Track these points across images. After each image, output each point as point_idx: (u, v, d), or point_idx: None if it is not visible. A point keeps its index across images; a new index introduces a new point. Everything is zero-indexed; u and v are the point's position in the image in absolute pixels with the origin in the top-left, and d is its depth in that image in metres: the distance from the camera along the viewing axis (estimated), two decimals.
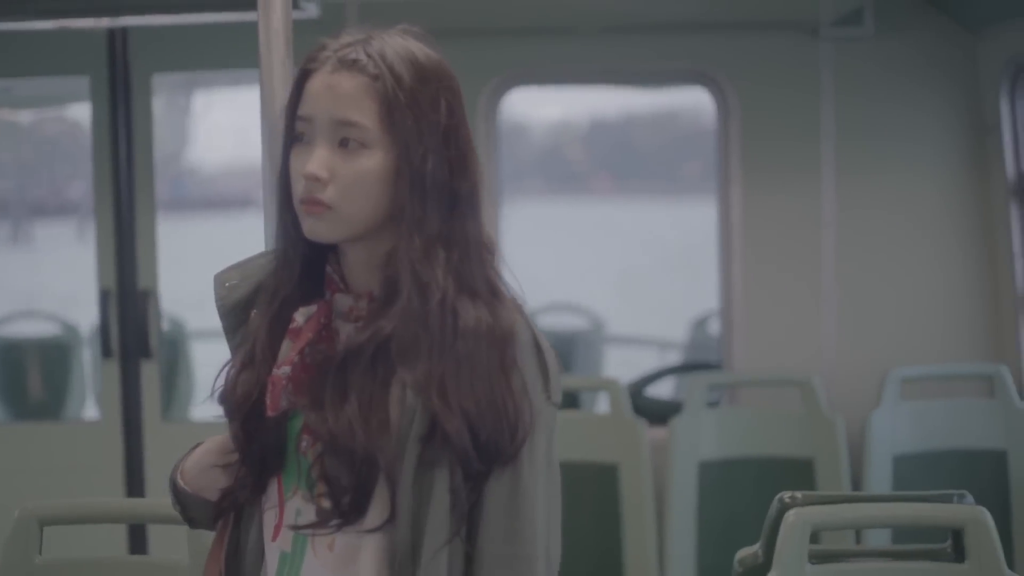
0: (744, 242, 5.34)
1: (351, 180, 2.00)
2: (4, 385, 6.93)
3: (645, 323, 10.53)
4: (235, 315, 2.16)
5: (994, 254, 5.24)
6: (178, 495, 2.21)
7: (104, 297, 5.32)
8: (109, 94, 5.30)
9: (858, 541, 4.55)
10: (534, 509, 2.01)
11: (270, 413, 2.04)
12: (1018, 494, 4.88)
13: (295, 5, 3.49)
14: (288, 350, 2.05)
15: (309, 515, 2.04)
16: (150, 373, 5.36)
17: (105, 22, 5.15)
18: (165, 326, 5.76)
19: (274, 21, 2.93)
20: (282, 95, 2.90)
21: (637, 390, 6.03)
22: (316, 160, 2.00)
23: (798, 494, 3.08)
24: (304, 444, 2.05)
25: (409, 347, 1.98)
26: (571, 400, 5.95)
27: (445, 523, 1.97)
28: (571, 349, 7.67)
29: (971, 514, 2.97)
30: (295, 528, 2.05)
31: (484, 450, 1.97)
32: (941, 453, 4.95)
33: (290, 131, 2.06)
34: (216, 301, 2.19)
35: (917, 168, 5.30)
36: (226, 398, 2.10)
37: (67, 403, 7.00)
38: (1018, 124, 5.06)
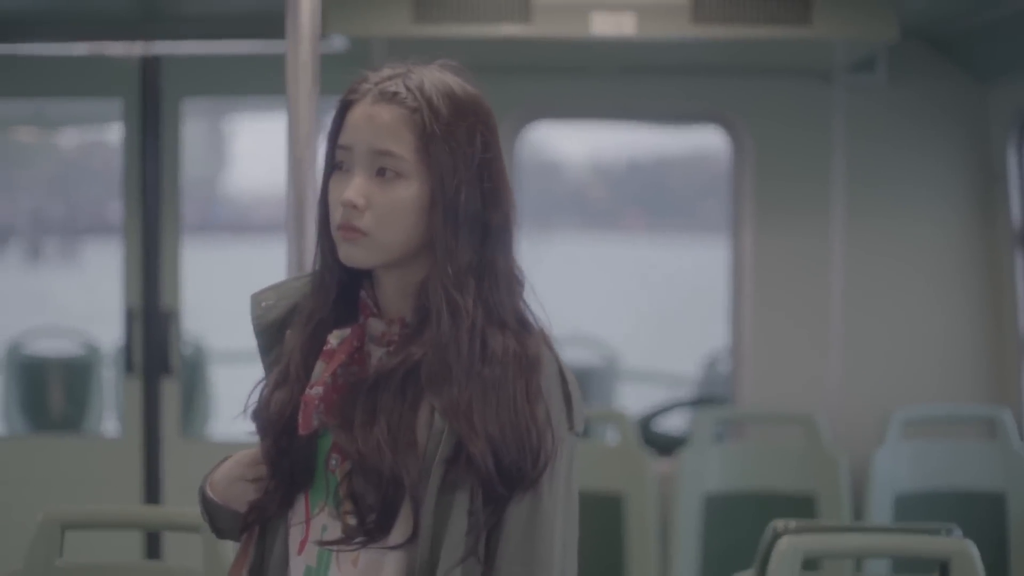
0: (754, 281, 5.43)
1: (387, 208, 2.05)
2: (29, 399, 7.06)
3: (660, 358, 10.61)
4: (270, 334, 2.22)
5: (998, 299, 5.31)
6: (206, 505, 2.26)
7: (129, 315, 5.45)
8: (140, 118, 5.43)
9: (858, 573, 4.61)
10: (552, 534, 2.05)
11: (302, 432, 2.09)
12: (1016, 535, 4.93)
13: (323, 37, 3.59)
14: (321, 371, 2.10)
15: (335, 531, 2.09)
16: (170, 390, 5.47)
17: (138, 47, 5.31)
18: (187, 348, 5.88)
19: (302, 54, 3.05)
20: (308, 125, 3.04)
21: (646, 423, 6.12)
22: (354, 188, 2.05)
23: (792, 522, 3.16)
24: (333, 463, 2.10)
25: (438, 372, 2.04)
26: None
27: (461, 543, 2.02)
28: (585, 382, 7.76)
29: (957, 547, 3.03)
30: (321, 544, 2.10)
31: (506, 474, 2.01)
32: (942, 493, 4.99)
33: (331, 159, 2.12)
34: (252, 320, 2.24)
35: (925, 214, 5.39)
36: (259, 415, 2.16)
37: (87, 418, 7.14)
38: None
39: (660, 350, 11.45)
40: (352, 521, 2.06)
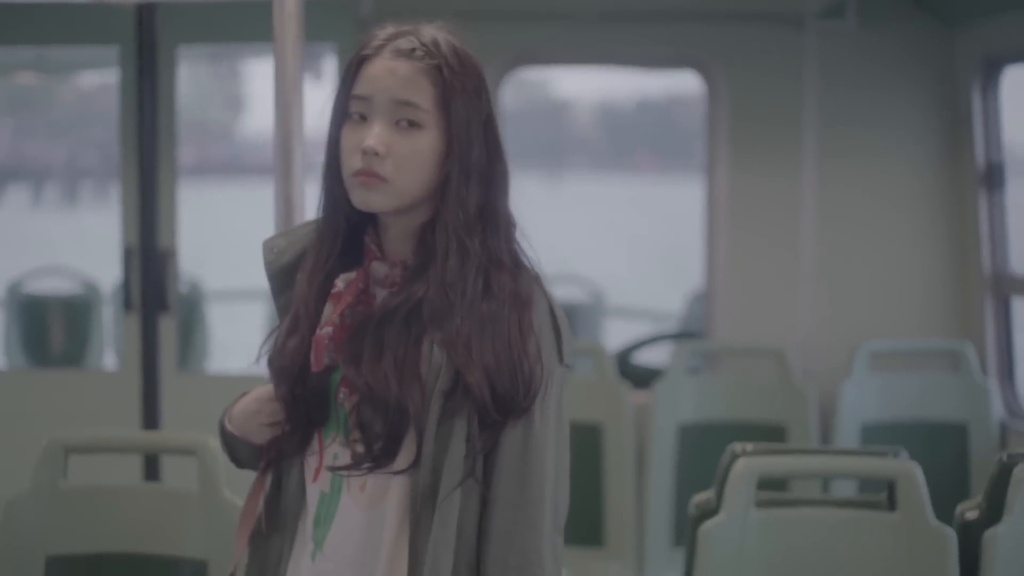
0: (729, 220, 5.58)
1: (406, 156, 2.19)
2: (29, 336, 7.25)
3: (650, 295, 10.79)
4: (281, 278, 2.36)
5: (963, 238, 5.45)
6: (225, 437, 2.41)
7: (127, 254, 5.59)
8: (136, 64, 5.56)
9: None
10: (544, 458, 2.21)
11: (314, 369, 2.25)
12: (977, 463, 5.09)
13: None
14: (330, 312, 2.26)
15: (345, 459, 2.23)
16: (168, 327, 5.62)
17: None
18: (184, 286, 6.04)
19: (288, 2, 3.22)
20: (294, 71, 3.20)
21: (625, 356, 6.29)
22: (375, 136, 2.18)
23: (748, 445, 3.37)
24: (342, 396, 2.25)
25: (440, 308, 2.19)
26: None
27: (459, 467, 2.18)
28: (573, 318, 7.92)
29: (902, 468, 3.25)
30: (332, 469, 2.26)
31: (500, 402, 2.16)
32: (906, 424, 5.17)
33: (342, 110, 2.24)
34: (265, 265, 2.39)
35: (893, 154, 5.53)
36: (274, 363, 2.31)
37: (87, 354, 7.32)
38: (989, 116, 5.28)
39: (651, 287, 11.63)
40: (360, 448, 2.22)
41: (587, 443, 5.07)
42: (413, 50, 2.22)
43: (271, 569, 2.35)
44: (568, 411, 2.30)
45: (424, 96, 2.20)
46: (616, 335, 8.02)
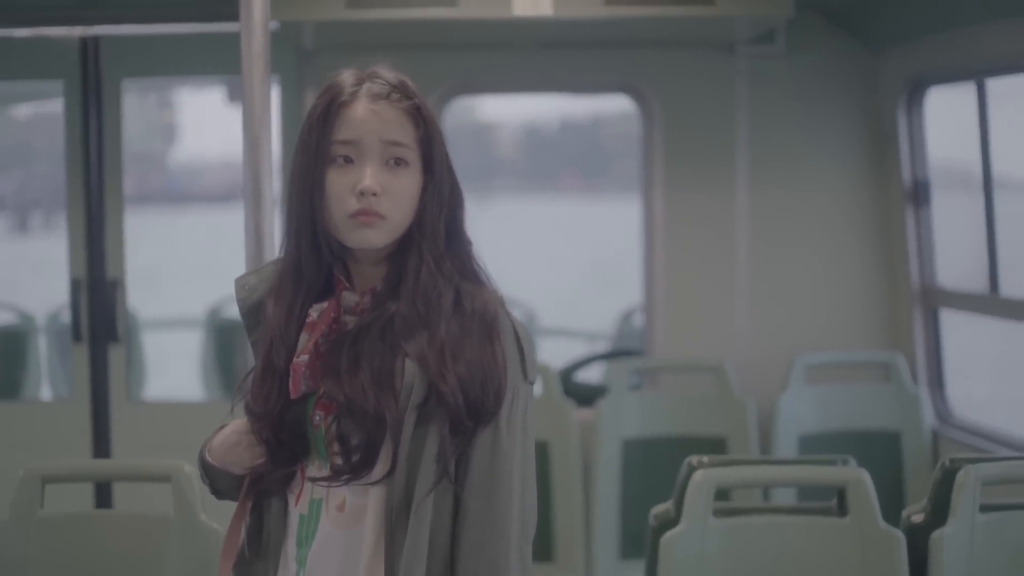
0: (665, 239, 5.67)
1: (399, 192, 2.32)
2: None
3: (581, 315, 10.89)
4: (254, 315, 2.46)
5: (892, 252, 5.60)
6: (206, 468, 2.50)
7: (75, 285, 5.63)
8: (81, 97, 5.61)
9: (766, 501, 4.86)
10: (511, 470, 2.31)
11: (293, 396, 2.35)
12: (910, 469, 5.28)
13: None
14: (305, 341, 2.37)
15: (324, 474, 2.35)
16: (117, 356, 5.68)
17: (78, 31, 5.50)
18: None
19: (255, 43, 3.28)
20: (262, 107, 3.27)
21: (567, 375, 6.39)
22: (371, 176, 2.29)
23: (705, 458, 3.51)
24: (317, 419, 2.36)
25: (413, 322, 2.31)
26: None
27: (430, 475, 2.28)
28: None
29: (853, 475, 3.40)
30: (313, 480, 2.36)
31: (472, 409, 2.26)
32: (842, 433, 5.32)
33: (321, 156, 2.32)
34: (237, 302, 2.49)
35: (823, 173, 5.67)
36: (254, 408, 2.40)
37: (24, 385, 7.31)
38: (914, 136, 5.44)
39: (582, 307, 11.72)
40: (339, 461, 2.31)
41: (536, 460, 5.12)
42: (389, 93, 2.34)
43: None
44: (533, 427, 2.40)
45: (408, 135, 2.33)
46: (550, 355, 8.13)
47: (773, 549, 3.39)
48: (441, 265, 2.34)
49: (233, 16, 3.31)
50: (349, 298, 2.38)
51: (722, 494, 3.49)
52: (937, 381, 5.52)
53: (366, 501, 2.34)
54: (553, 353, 7.66)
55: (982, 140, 5.01)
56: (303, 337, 2.37)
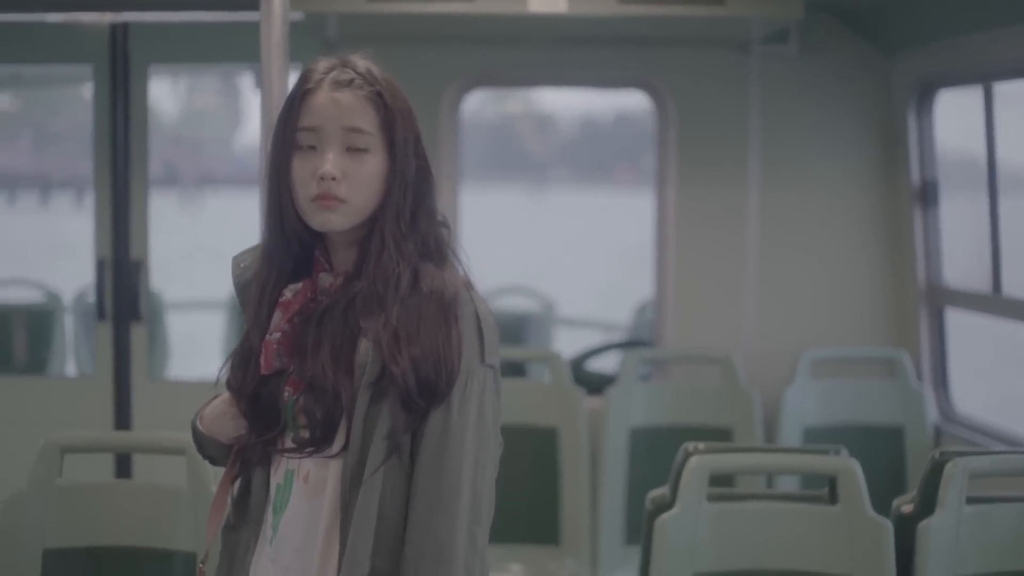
0: (677, 234, 5.76)
1: (359, 178, 2.40)
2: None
3: (600, 307, 10.97)
4: (246, 292, 2.57)
5: (899, 251, 5.67)
6: (197, 436, 2.63)
7: (100, 265, 5.78)
8: (110, 82, 5.73)
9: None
10: (461, 450, 2.36)
11: (264, 371, 2.46)
12: (912, 464, 5.32)
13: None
14: (279, 319, 2.47)
15: (291, 446, 2.48)
16: (139, 335, 5.82)
17: (108, 17, 5.62)
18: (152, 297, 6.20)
19: (275, 32, 3.40)
20: (280, 94, 3.38)
21: (579, 363, 6.47)
22: (331, 162, 2.37)
23: (700, 444, 3.60)
24: (287, 394, 2.47)
25: (371, 301, 2.40)
26: (519, 370, 6.39)
27: (382, 450, 2.37)
28: (529, 327, 8.15)
29: (842, 464, 3.49)
30: (279, 452, 2.49)
31: (423, 388, 2.33)
32: (846, 427, 5.38)
33: (288, 142, 2.41)
34: (233, 279, 2.60)
35: (833, 173, 5.74)
36: (231, 383, 2.53)
37: (51, 362, 7.45)
38: (923, 137, 5.51)
39: (621, 296, 11.82)
40: (305, 435, 2.43)
41: (543, 446, 5.24)
42: (352, 80, 2.42)
43: (239, 560, 2.56)
44: (494, 413, 2.44)
45: (369, 121, 2.41)
46: (568, 345, 8.23)
47: (764, 534, 3.47)
48: (402, 247, 2.41)
49: (256, 6, 3.41)
50: (325, 279, 2.47)
51: (726, 481, 3.56)
52: (941, 378, 5.59)
53: (327, 473, 2.44)
54: (573, 343, 7.75)
55: (988, 143, 5.08)
56: (276, 315, 2.47)
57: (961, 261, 5.62)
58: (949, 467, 3.44)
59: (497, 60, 5.76)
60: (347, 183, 2.40)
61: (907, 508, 3.54)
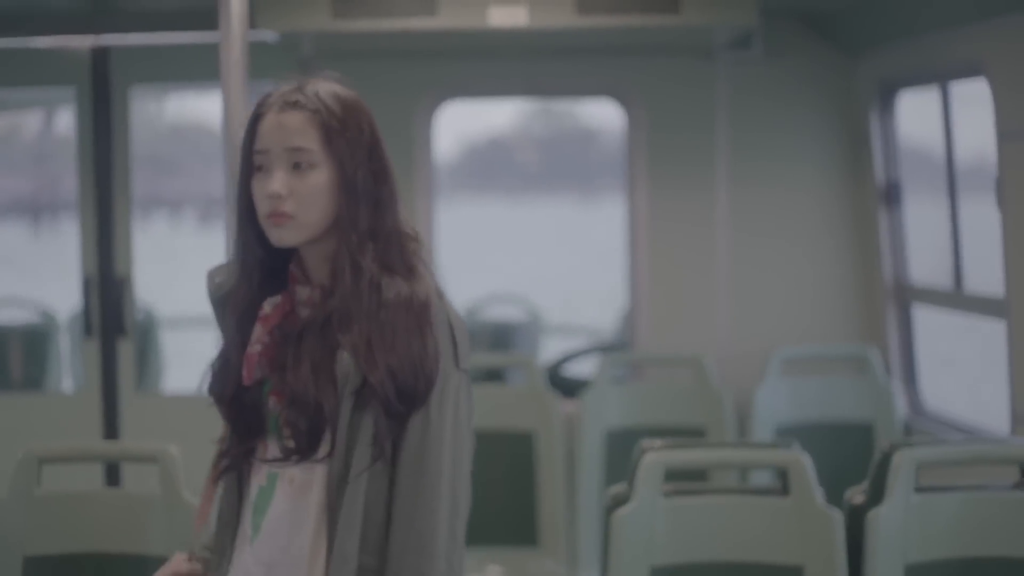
0: (649, 238, 5.86)
1: (305, 194, 2.49)
2: None
3: (584, 313, 11.02)
4: (223, 306, 2.66)
5: (866, 250, 5.76)
6: None
7: (86, 283, 5.89)
8: (92, 103, 5.85)
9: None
10: (440, 452, 2.47)
11: (246, 382, 2.56)
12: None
13: (252, 25, 3.94)
14: (259, 332, 2.57)
15: (277, 454, 2.57)
16: (125, 350, 5.92)
17: (89, 40, 5.74)
18: (139, 313, 6.32)
19: (233, 50, 3.50)
20: (240, 112, 3.48)
21: (556, 368, 6.56)
22: (277, 181, 2.47)
23: (657, 441, 3.70)
24: (272, 403, 2.57)
25: (345, 317, 2.50)
26: (496, 375, 6.46)
27: (367, 454, 2.48)
28: (512, 335, 8.23)
29: (792, 457, 3.58)
30: (266, 461, 2.58)
31: (402, 395, 2.43)
32: (817, 424, 5.43)
33: (247, 164, 2.51)
34: (208, 294, 2.70)
35: (800, 174, 5.85)
36: (212, 389, 2.62)
37: (47, 379, 7.57)
38: (887, 137, 5.60)
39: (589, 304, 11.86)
40: (290, 444, 2.53)
41: (520, 450, 5.32)
42: (296, 102, 2.51)
43: (221, 561, 2.65)
44: (468, 414, 2.55)
45: (311, 140, 2.50)
46: (553, 351, 8.31)
47: (719, 526, 3.55)
48: (361, 262, 2.50)
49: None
50: (302, 292, 2.57)
51: (697, 478, 3.61)
52: (909, 374, 5.68)
53: (312, 476, 2.54)
54: (556, 349, 7.83)
55: (946, 142, 5.16)
56: (257, 328, 2.57)
57: (931, 259, 5.70)
58: (897, 457, 3.54)
59: (468, 72, 5.86)
60: (293, 199, 2.48)
61: (858, 499, 3.64)
